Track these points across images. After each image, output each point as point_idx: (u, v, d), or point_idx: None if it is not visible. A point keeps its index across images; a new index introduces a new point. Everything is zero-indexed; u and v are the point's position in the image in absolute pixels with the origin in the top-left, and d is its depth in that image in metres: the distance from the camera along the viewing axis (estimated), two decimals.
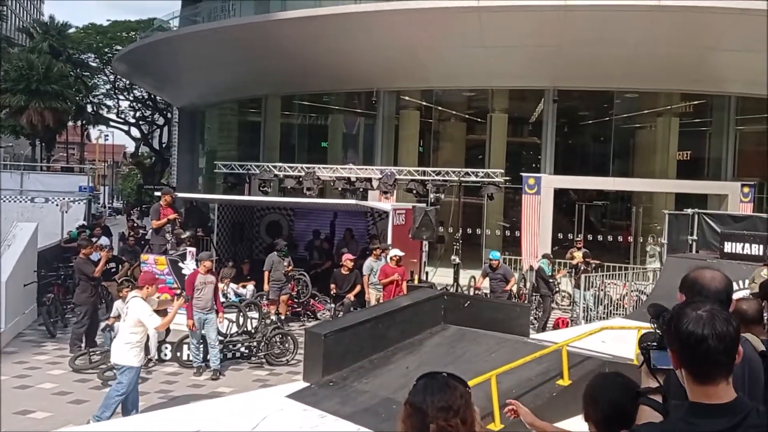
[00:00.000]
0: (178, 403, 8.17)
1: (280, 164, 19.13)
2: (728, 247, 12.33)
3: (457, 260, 16.08)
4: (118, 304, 9.61)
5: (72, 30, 47.02)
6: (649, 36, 17.93)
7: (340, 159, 23.60)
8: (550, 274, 14.31)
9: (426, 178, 17.13)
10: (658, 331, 2.36)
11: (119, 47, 41.30)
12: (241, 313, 10.83)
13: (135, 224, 20.59)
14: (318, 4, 22.51)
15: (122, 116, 55.13)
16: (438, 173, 17.21)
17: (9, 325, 11.04)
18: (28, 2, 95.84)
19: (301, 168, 18.19)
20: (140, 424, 6.89)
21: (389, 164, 21.16)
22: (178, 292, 9.69)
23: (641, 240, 20.96)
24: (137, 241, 16.98)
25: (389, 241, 12.83)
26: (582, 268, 14.42)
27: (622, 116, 22.62)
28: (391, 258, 11.73)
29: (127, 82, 47.85)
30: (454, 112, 24.56)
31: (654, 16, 17.47)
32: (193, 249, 12.22)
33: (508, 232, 21.79)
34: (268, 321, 10.81)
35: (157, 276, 9.29)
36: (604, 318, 13.87)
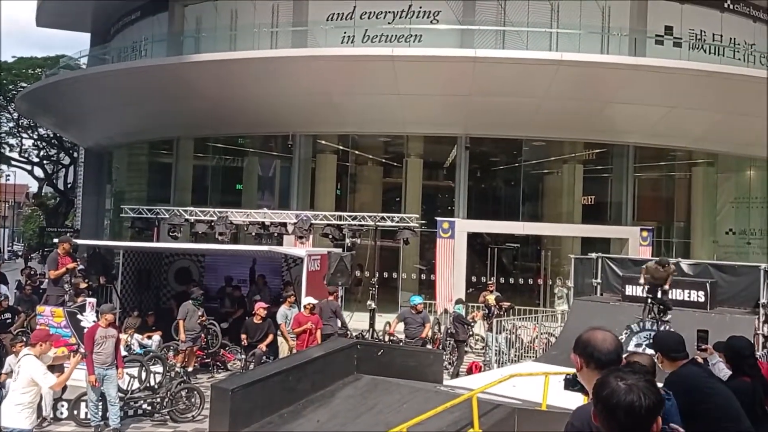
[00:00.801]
0: None
1: (191, 208, 18.64)
2: (629, 290, 12.92)
3: (373, 305, 16.04)
4: (10, 360, 8.95)
5: None
6: (553, 88, 18.86)
7: (255, 202, 23.30)
8: (465, 318, 14.52)
9: (342, 222, 17.12)
10: None
11: (24, 84, 39.54)
12: (144, 368, 10.31)
13: (32, 271, 19.39)
14: (233, 46, 22.46)
15: (25, 155, 52.52)
16: (354, 218, 17.25)
17: None
18: None
19: (214, 212, 17.78)
20: None
21: (305, 208, 21.07)
22: (76, 347, 9.14)
23: (550, 282, 21.65)
24: (34, 290, 15.98)
25: (303, 288, 12.64)
26: (494, 311, 14.68)
27: (531, 162, 23.51)
28: (304, 306, 11.56)
29: (32, 120, 45.74)
30: (370, 156, 24.83)
31: (555, 69, 18.42)
32: (94, 300, 11.59)
33: (423, 276, 22.00)
34: (173, 374, 10.34)
35: (51, 332, 8.73)
36: (516, 361, 14.12)
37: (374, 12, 21.66)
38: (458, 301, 15.23)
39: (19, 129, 49.73)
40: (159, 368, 10.49)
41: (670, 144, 22.66)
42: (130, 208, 18.97)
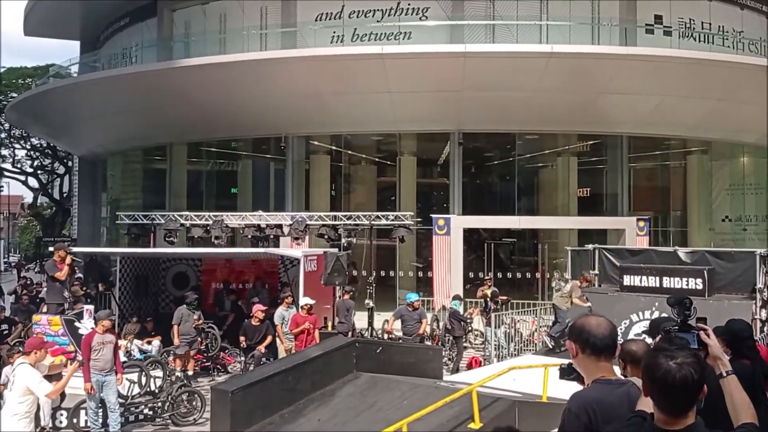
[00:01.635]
0: None
1: (187, 213, 18.59)
2: (627, 280, 12.91)
3: (371, 304, 16.00)
4: (6, 370, 8.90)
5: None
6: (544, 81, 18.85)
7: (250, 204, 23.25)
8: (463, 314, 14.51)
9: (337, 222, 17.08)
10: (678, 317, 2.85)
11: (15, 94, 39.42)
12: (144, 373, 10.28)
13: (29, 281, 19.34)
14: (222, 50, 22.40)
15: (18, 166, 52.37)
16: (349, 217, 17.21)
17: None
18: None
19: (209, 216, 17.73)
20: None
21: (300, 209, 21.03)
22: (74, 355, 9.11)
23: (548, 275, 21.66)
24: (31, 300, 15.96)
25: (301, 289, 12.62)
26: (492, 306, 14.68)
27: (525, 156, 23.51)
28: (302, 307, 11.54)
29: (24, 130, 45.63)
30: (364, 156, 24.82)
31: (546, 62, 18.42)
32: (91, 307, 11.56)
33: (421, 273, 21.99)
34: (173, 378, 10.31)
35: (47, 339, 8.70)
36: (515, 355, 14.12)
37: (363, 11, 21.63)
38: (455, 297, 15.24)
39: (12, 139, 49.59)
40: (159, 373, 10.47)
41: (663, 133, 22.70)
42: (125, 214, 18.89)
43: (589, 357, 2.76)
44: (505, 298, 15.34)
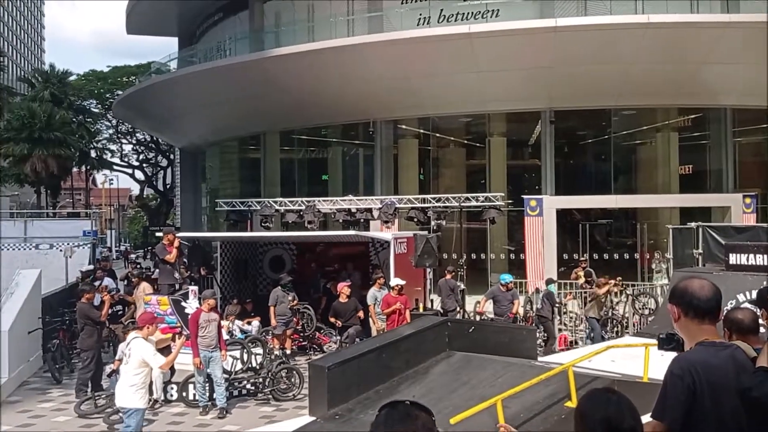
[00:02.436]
0: None
1: (281, 199, 19.19)
2: (733, 258, 12.18)
3: (462, 286, 15.98)
4: (121, 346, 9.55)
5: (73, 77, 47.71)
6: (641, 53, 18.07)
7: (340, 191, 23.68)
8: (558, 299, 14.25)
9: (426, 205, 17.13)
10: None
11: (120, 92, 41.87)
12: (245, 350, 10.75)
13: (138, 265, 20.57)
14: (311, 38, 22.83)
15: (126, 160, 55.70)
16: (438, 200, 17.21)
17: (13, 374, 10.97)
18: (29, 52, 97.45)
19: (302, 202, 18.23)
20: None
21: (389, 194, 21.20)
22: (180, 330, 9.64)
23: (647, 256, 20.83)
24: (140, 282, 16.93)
25: (392, 271, 12.76)
26: (590, 290, 14.27)
27: (621, 133, 22.67)
28: (392, 287, 11.67)
29: (130, 126, 48.42)
30: (452, 138, 24.67)
31: (644, 33, 17.62)
32: (196, 288, 12.20)
33: (513, 255, 21.71)
34: (273, 356, 10.72)
35: (157, 316, 9.25)
36: (613, 338, 13.70)
37: None
38: (549, 281, 14.99)
39: (119, 135, 52.77)
40: (259, 350, 10.92)
41: None
42: (224, 201, 19.76)
43: (692, 320, 2.67)
44: (609, 281, 14.60)
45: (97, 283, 13.65)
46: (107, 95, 48.50)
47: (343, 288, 12.91)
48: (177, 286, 12.13)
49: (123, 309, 15.47)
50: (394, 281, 11.75)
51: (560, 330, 14.37)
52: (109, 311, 11.67)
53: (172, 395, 10.12)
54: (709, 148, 22.67)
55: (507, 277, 13.37)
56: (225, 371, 9.92)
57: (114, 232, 60.61)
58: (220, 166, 32.81)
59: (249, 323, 13.29)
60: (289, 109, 23.29)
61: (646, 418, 2.51)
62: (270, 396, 10.10)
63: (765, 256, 11.54)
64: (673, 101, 21.31)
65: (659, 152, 23.22)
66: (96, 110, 49.95)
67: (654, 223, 22.30)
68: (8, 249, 19.93)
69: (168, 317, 11.41)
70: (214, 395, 9.65)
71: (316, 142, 26.84)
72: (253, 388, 10.28)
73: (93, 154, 50.27)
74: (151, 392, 8.63)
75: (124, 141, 53.73)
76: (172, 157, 49.81)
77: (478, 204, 17.13)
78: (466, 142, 24.61)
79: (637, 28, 17.67)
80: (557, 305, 14.11)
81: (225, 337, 10.52)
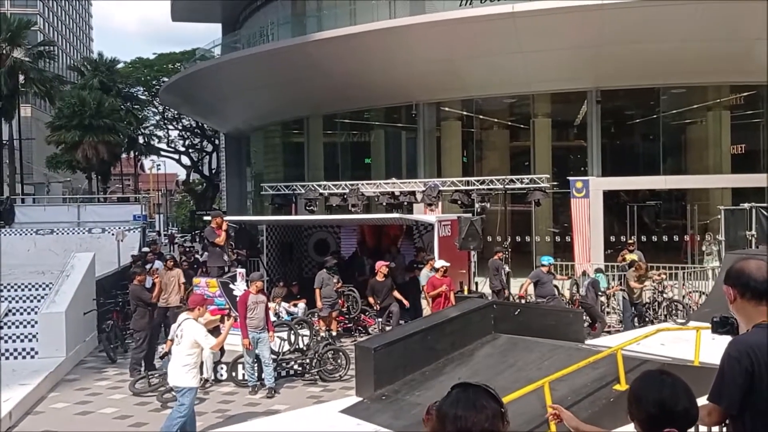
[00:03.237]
0: (236, 421, 8.29)
1: (325, 183, 19.32)
2: None
3: (507, 268, 15.88)
4: (173, 327, 9.81)
5: (120, 65, 48.83)
6: (693, 29, 17.52)
7: (383, 174, 23.71)
8: (605, 288, 14.03)
9: (470, 187, 17.02)
10: None
11: (166, 79, 42.67)
12: (293, 332, 10.92)
13: (187, 249, 21.02)
14: (353, 21, 22.79)
15: (172, 145, 56.83)
16: (482, 182, 17.08)
17: (70, 353, 11.40)
18: (78, 41, 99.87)
19: (345, 185, 18.33)
20: None
21: (433, 176, 21.14)
22: (228, 312, 9.84)
23: (698, 238, 20.33)
24: (190, 265, 17.33)
25: (436, 253, 12.76)
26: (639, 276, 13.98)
27: (671, 112, 22.07)
28: (437, 269, 11.69)
29: (176, 112, 49.33)
30: (496, 120, 24.41)
31: (696, 8, 17.05)
32: (243, 270, 12.44)
33: (558, 238, 21.44)
34: (319, 338, 10.88)
35: (206, 297, 9.46)
36: (664, 321, 13.45)
37: None
38: (598, 270, 14.82)
39: (165, 121, 53.83)
40: (306, 332, 11.08)
41: None
42: (269, 185, 20.00)
43: (749, 302, 2.62)
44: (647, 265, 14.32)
45: (148, 266, 13.99)
46: (153, 82, 49.47)
47: (381, 267, 12.98)
48: (226, 269, 12.38)
49: None
50: (439, 263, 11.76)
51: (608, 314, 14.17)
52: (160, 293, 11.96)
53: (222, 375, 10.37)
54: (762, 127, 21.90)
55: (549, 259, 13.30)
56: (273, 352, 10.10)
57: (162, 217, 62.07)
58: (264, 150, 33.19)
59: (295, 305, 13.50)
60: (331, 93, 23.36)
61: (698, 402, 2.48)
62: (317, 377, 10.26)
63: None
64: (725, 79, 20.64)
65: (710, 131, 22.56)
66: (143, 97, 51.06)
67: (704, 205, 21.73)
68: (62, 233, 20.57)
69: (217, 299, 11.67)
70: (263, 375, 9.85)
71: (358, 126, 26.89)
72: (300, 368, 10.45)
73: (141, 140, 51.49)
74: (201, 372, 8.86)
75: (170, 127, 54.83)
76: (217, 142, 50.59)
77: (523, 186, 16.94)
78: (509, 123, 24.32)
79: (689, 2, 17.09)
80: (601, 294, 13.89)
81: (272, 318, 10.70)
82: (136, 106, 49.27)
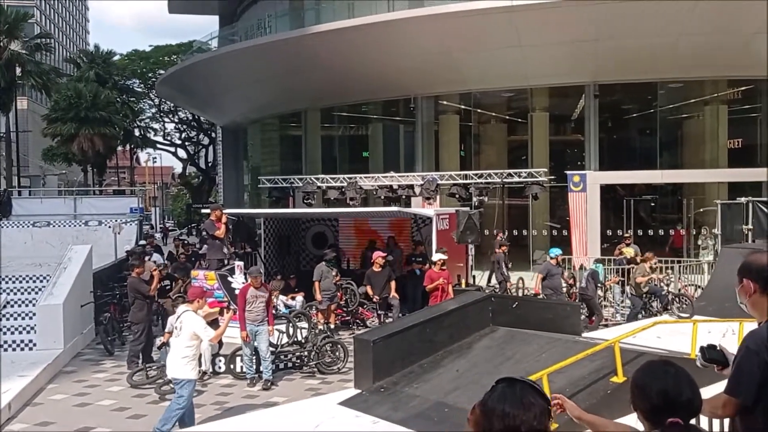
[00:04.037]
0: (234, 413, 8.30)
1: (323, 176, 19.32)
2: None
3: (509, 263, 15.95)
4: (171, 320, 9.81)
5: (116, 57, 48.63)
6: (690, 24, 17.52)
7: (381, 168, 23.70)
8: (603, 280, 14.10)
9: (468, 181, 17.06)
10: None
11: (162, 71, 42.52)
12: (291, 324, 10.94)
13: (185, 242, 21.03)
14: (351, 14, 22.73)
15: (168, 138, 56.68)
16: (480, 176, 17.12)
17: (68, 345, 11.41)
18: (74, 33, 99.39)
19: (343, 179, 18.34)
20: None
21: (431, 170, 21.15)
22: (227, 304, 9.85)
23: (694, 233, 20.41)
24: (188, 258, 17.33)
25: (434, 247, 12.79)
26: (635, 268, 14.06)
27: (668, 107, 22.11)
28: (435, 262, 11.71)
29: (172, 104, 49.18)
30: (493, 114, 24.39)
31: (693, 2, 17.05)
32: (241, 263, 12.44)
33: (555, 232, 21.49)
34: (317, 330, 10.90)
35: (205, 290, 9.47)
36: (659, 314, 13.52)
37: None
38: (597, 261, 14.89)
39: (161, 114, 53.68)
40: (305, 324, 11.09)
41: None
42: (266, 178, 20.00)
43: (765, 295, 2.64)
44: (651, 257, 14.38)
45: (147, 257, 13.99)
46: (150, 75, 49.31)
47: (378, 258, 12.97)
48: (225, 261, 12.38)
49: (171, 284, 15.85)
50: (437, 256, 11.79)
51: (604, 307, 14.24)
52: (158, 286, 11.97)
53: (220, 367, 10.38)
54: (760, 122, 21.94)
55: (557, 251, 13.38)
56: (271, 344, 10.12)
57: (158, 210, 61.98)
58: (261, 143, 33.12)
59: (293, 298, 13.52)
60: (329, 86, 23.32)
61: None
62: (315, 369, 10.28)
63: None
64: (723, 73, 20.67)
65: (707, 126, 22.59)
66: (139, 89, 50.89)
67: (701, 199, 21.80)
68: (59, 226, 20.55)
69: (216, 292, 11.68)
70: (261, 368, 9.87)
71: (356, 119, 26.84)
72: (298, 361, 10.47)
73: (137, 132, 51.30)
74: (200, 364, 8.87)
75: (166, 120, 54.70)
76: (213, 135, 50.49)
77: (521, 180, 17.00)
78: (507, 117, 24.32)
79: None
80: (600, 286, 13.97)
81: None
82: (132, 99, 49.09)
